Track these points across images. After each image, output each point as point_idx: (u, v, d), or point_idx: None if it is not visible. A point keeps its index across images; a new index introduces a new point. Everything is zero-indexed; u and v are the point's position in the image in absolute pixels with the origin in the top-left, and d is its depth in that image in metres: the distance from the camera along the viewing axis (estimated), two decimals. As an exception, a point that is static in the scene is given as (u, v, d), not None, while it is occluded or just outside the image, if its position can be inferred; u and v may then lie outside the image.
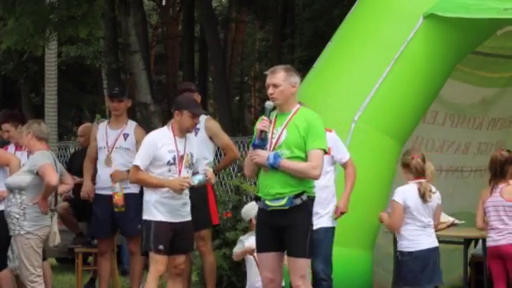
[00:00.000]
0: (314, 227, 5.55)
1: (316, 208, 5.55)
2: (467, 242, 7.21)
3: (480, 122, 8.26)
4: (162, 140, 6.12)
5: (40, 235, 6.49)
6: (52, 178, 6.36)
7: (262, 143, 5.27)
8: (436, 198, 5.95)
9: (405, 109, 6.89)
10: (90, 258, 8.45)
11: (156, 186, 6.07)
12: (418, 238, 5.86)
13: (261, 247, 5.40)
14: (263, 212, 5.35)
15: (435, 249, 5.90)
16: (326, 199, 6.19)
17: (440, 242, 6.27)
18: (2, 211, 6.61)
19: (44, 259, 6.94)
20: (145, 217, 6.13)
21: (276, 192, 5.25)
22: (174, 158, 6.07)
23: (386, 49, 6.89)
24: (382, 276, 7.30)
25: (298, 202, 5.26)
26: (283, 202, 5.24)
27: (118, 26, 16.95)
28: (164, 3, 27.78)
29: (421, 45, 6.87)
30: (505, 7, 6.66)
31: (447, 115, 8.24)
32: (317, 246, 5.78)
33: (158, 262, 6.10)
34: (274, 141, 5.31)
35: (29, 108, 21.87)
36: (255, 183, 5.74)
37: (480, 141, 8.23)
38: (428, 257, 5.84)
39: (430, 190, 5.85)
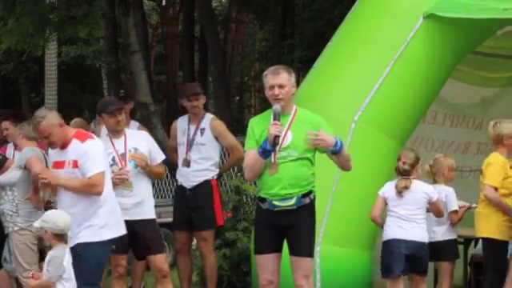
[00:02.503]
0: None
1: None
2: (467, 241, 7.21)
3: (480, 121, 8.25)
4: None
5: (34, 231, 6.46)
6: (38, 168, 6.34)
7: (273, 148, 5.26)
8: (421, 193, 6.26)
9: (405, 109, 6.89)
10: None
11: None
12: (389, 228, 6.28)
13: (262, 249, 5.39)
14: (267, 213, 5.34)
15: (405, 241, 6.19)
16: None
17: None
18: None
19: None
20: None
21: (286, 193, 5.26)
22: (114, 159, 6.11)
23: (385, 49, 6.88)
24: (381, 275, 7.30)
25: (306, 201, 5.30)
26: (292, 201, 5.26)
27: (117, 26, 16.94)
28: (164, 3, 27.80)
29: (421, 45, 6.85)
30: (504, 7, 6.65)
31: (447, 115, 8.23)
32: (77, 264, 5.34)
33: (113, 263, 6.17)
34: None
35: (29, 108, 21.86)
36: (255, 183, 5.73)
37: (480, 141, 8.21)
38: (394, 246, 6.19)
39: (405, 186, 6.23)
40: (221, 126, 7.22)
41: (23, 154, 6.56)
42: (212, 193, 6.99)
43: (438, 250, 6.72)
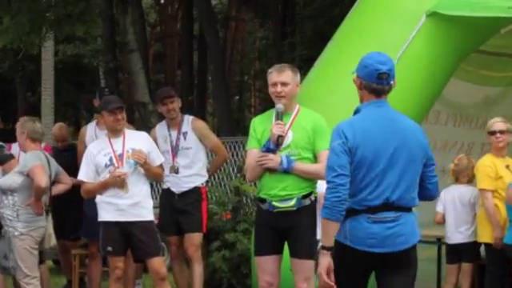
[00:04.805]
0: None
1: None
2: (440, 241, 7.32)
3: (483, 121, 8.19)
4: (97, 147, 6.20)
5: (34, 236, 6.44)
6: (41, 180, 6.30)
7: (276, 148, 5.21)
8: None
9: (407, 108, 6.76)
10: (87, 260, 8.36)
11: (99, 189, 6.10)
12: None
13: (262, 250, 5.33)
14: (267, 214, 5.28)
15: None
16: None
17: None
18: None
19: (42, 262, 6.88)
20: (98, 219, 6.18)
21: (286, 193, 5.20)
22: (111, 159, 6.08)
23: (388, 47, 6.77)
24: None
25: (306, 202, 5.24)
26: (292, 202, 5.20)
27: (115, 25, 16.89)
28: (162, 1, 27.74)
29: (423, 43, 6.81)
30: (508, 5, 6.64)
31: (450, 115, 8.22)
32: None
33: (111, 265, 6.14)
34: None
35: (25, 107, 21.82)
36: (255, 184, 5.69)
37: (483, 141, 8.15)
38: None
39: None
40: (203, 126, 7.16)
41: (27, 160, 6.47)
42: (201, 200, 6.92)
43: (461, 252, 6.84)
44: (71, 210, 7.60)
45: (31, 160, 6.42)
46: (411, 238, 4.08)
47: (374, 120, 4.11)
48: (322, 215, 3.99)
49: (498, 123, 6.60)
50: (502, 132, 6.55)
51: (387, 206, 4.00)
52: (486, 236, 6.57)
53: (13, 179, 6.45)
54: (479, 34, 7.10)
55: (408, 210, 4.07)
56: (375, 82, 4.14)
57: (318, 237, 4.07)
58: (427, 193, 4.21)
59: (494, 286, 6.53)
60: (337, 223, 3.96)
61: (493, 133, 6.59)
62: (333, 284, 4.03)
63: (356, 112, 4.23)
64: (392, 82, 4.18)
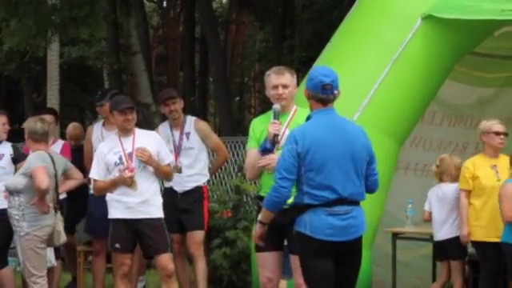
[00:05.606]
0: None
1: None
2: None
3: (477, 121, 8.26)
4: (108, 146, 6.27)
5: (40, 235, 6.47)
6: (41, 182, 6.27)
7: (273, 147, 5.31)
8: None
9: (403, 109, 6.92)
10: (91, 257, 8.49)
11: (109, 187, 6.18)
12: None
13: (261, 247, 5.36)
14: None
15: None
16: None
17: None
18: (3, 209, 6.64)
19: (57, 258, 6.97)
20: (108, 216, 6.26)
21: None
22: (121, 158, 6.15)
23: (384, 50, 6.91)
24: (380, 275, 7.36)
25: None
26: (289, 201, 5.14)
27: (119, 28, 16.98)
28: (165, 4, 27.83)
29: (419, 46, 6.87)
30: (502, 8, 6.68)
31: (445, 115, 8.26)
32: None
33: (118, 262, 6.20)
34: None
35: (31, 108, 21.89)
36: (255, 183, 5.76)
37: (477, 141, 8.26)
38: None
39: None
40: (205, 126, 7.23)
41: (29, 161, 6.46)
42: (202, 199, 7.02)
43: (447, 249, 6.88)
44: (73, 207, 7.68)
45: (33, 161, 6.41)
46: (361, 229, 4.67)
47: (325, 126, 4.58)
48: (263, 204, 4.71)
49: (498, 125, 6.63)
50: (505, 134, 6.62)
51: (341, 200, 4.54)
52: (472, 234, 6.61)
53: (18, 180, 6.48)
54: (473, 37, 7.17)
55: (357, 203, 4.65)
56: (320, 93, 4.62)
57: None
58: (368, 188, 4.76)
59: (489, 283, 6.57)
60: (274, 212, 4.68)
61: (497, 133, 6.61)
62: (261, 243, 4.90)
63: (308, 118, 4.70)
64: (336, 92, 4.65)
